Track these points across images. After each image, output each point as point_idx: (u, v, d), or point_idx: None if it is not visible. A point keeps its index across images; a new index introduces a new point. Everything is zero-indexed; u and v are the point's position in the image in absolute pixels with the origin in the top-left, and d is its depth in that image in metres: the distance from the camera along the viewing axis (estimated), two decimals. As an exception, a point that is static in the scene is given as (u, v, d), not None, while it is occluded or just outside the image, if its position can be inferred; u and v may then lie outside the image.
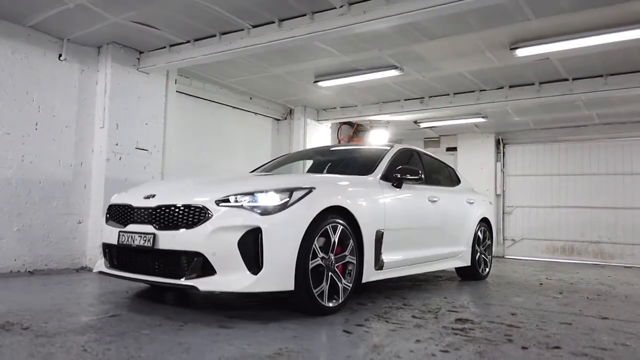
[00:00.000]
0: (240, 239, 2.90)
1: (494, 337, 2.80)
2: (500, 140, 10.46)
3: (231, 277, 2.89)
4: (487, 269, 5.72)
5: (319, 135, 8.90)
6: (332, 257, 3.28)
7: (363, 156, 4.75)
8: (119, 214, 3.40)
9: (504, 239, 10.38)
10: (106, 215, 3.57)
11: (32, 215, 5.16)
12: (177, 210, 3.05)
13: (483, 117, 8.74)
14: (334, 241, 3.28)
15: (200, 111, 7.26)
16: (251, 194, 3.04)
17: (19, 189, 5.08)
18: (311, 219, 3.09)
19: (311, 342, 2.56)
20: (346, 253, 3.40)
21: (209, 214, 2.95)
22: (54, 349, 2.26)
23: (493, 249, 6.05)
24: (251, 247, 2.91)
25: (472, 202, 5.48)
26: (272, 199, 3.03)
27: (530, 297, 4.41)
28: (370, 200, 3.76)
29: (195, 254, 2.92)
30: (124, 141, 5.71)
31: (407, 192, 4.25)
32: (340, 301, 3.32)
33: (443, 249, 4.80)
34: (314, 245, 3.10)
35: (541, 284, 5.44)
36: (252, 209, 2.97)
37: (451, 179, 5.59)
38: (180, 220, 3.02)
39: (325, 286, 3.19)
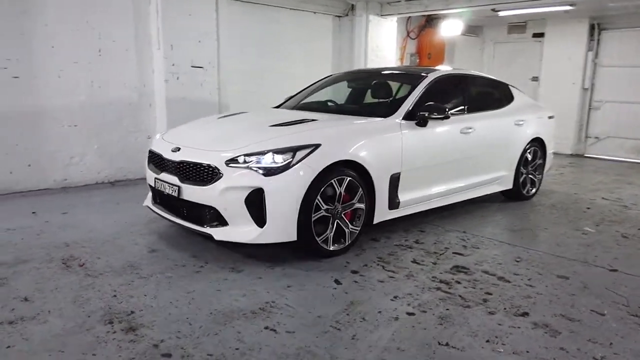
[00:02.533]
0: (246, 197, 3.24)
1: (472, 296, 3.02)
2: (596, 26, 9.29)
3: (241, 230, 3.31)
4: (534, 190, 5.64)
5: (384, 31, 8.53)
6: (339, 207, 3.55)
7: (392, 88, 4.67)
8: (155, 161, 3.87)
9: (586, 137, 9.76)
10: (148, 157, 4.05)
11: (108, 134, 5.88)
12: (195, 167, 3.43)
13: (570, 5, 7.76)
14: (340, 192, 3.52)
15: (254, 17, 7.24)
16: (257, 154, 3.31)
17: (93, 112, 5.75)
18: (313, 177, 3.32)
19: (298, 294, 2.97)
20: (354, 201, 3.64)
21: (220, 173, 3.30)
22: (92, 294, 2.89)
23: (547, 166, 5.87)
24: (257, 204, 3.26)
25: (522, 123, 5.25)
26: (275, 160, 3.29)
27: (558, 231, 4.42)
28: (385, 146, 3.86)
29: (211, 208, 3.35)
30: (180, 61, 6.03)
31: (433, 130, 4.24)
32: (347, 244, 3.66)
33: (475, 178, 4.81)
34: (317, 200, 3.37)
35: (588, 208, 5.31)
36: (257, 169, 3.26)
37: (501, 99, 5.34)
38: (197, 176, 3.41)
39: (330, 234, 3.52)
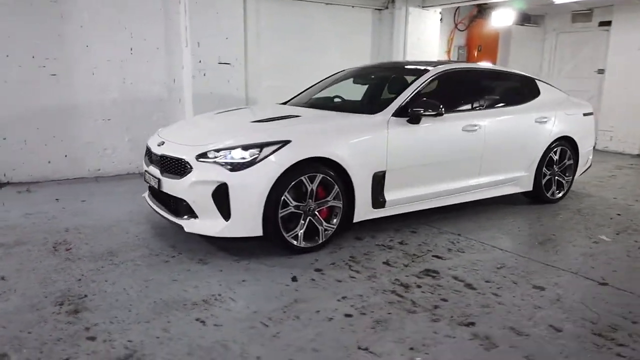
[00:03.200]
0: (213, 191, 3.33)
1: (424, 302, 2.90)
2: (673, 11, 8.37)
3: (208, 222, 3.41)
4: (561, 193, 5.22)
5: (426, 24, 8.24)
6: (312, 204, 3.54)
7: (390, 84, 4.54)
8: (147, 153, 4.08)
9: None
10: (145, 151, 4.27)
11: (138, 128, 6.24)
12: (171, 160, 3.58)
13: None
14: (312, 189, 3.50)
15: (288, 13, 7.27)
16: (225, 149, 3.39)
17: (124, 107, 6.14)
18: (280, 173, 3.34)
19: (248, 289, 3.02)
20: (329, 199, 3.61)
21: (190, 167, 3.41)
22: (61, 277, 3.12)
23: (582, 167, 5.43)
24: (223, 199, 3.33)
25: (545, 121, 4.89)
26: (241, 156, 3.35)
27: (566, 238, 4.10)
28: (367, 144, 3.78)
29: (183, 200, 3.48)
30: (206, 58, 6.25)
31: (428, 127, 4.08)
32: (321, 241, 3.64)
33: (484, 179, 4.56)
34: (284, 197, 3.39)
35: (619, 214, 4.84)
36: (224, 164, 3.34)
37: (522, 95, 5.00)
38: (173, 169, 3.55)
39: (300, 231, 3.52)
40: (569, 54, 9.88)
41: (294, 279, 3.18)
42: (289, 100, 5.11)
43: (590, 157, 5.68)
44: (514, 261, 3.56)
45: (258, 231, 3.39)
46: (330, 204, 3.64)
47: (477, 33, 9.26)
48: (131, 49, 6.07)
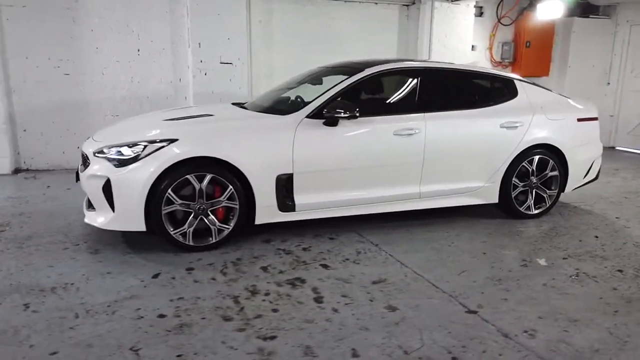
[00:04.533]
0: (103, 185, 3.51)
1: (251, 311, 2.79)
2: None
3: (100, 214, 3.60)
4: (543, 208, 4.62)
5: (455, 19, 7.71)
6: (203, 203, 3.58)
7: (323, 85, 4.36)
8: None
9: None
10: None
11: (145, 124, 6.70)
12: (82, 156, 3.83)
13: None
14: (200, 189, 3.54)
15: (302, 12, 7.28)
16: (116, 146, 3.55)
17: (132, 104, 6.63)
18: (161, 171, 3.42)
19: (102, 281, 3.14)
20: (221, 199, 3.62)
21: (89, 162, 3.64)
22: (-31, 254, 3.53)
23: (573, 183, 4.75)
24: (110, 193, 3.51)
25: (515, 126, 4.38)
26: (126, 153, 3.49)
27: (491, 257, 3.65)
28: (268, 145, 3.71)
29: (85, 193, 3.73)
30: (208, 57, 6.51)
31: (348, 130, 3.89)
32: (214, 241, 3.66)
33: (427, 187, 4.20)
34: (168, 194, 3.47)
35: (597, 236, 4.18)
36: (111, 160, 3.51)
37: (489, 97, 4.53)
38: (83, 164, 3.81)
39: (188, 229, 3.57)
40: (644, 48, 8.60)
41: (156, 275, 3.25)
42: (254, 100, 5.12)
43: (596, 168, 4.94)
44: (400, 278, 3.27)
45: (141, 226, 3.51)
46: (224, 204, 3.64)
47: (526, 27, 8.43)
48: (138, 50, 6.52)
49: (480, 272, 3.40)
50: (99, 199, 3.57)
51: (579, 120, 4.70)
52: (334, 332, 2.58)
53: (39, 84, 6.19)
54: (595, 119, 4.83)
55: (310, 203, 3.89)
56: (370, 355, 2.39)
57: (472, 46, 8.31)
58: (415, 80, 4.25)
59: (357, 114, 3.79)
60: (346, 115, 3.77)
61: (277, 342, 2.49)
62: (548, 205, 4.65)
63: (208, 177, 3.55)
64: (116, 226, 3.54)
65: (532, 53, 8.51)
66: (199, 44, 6.44)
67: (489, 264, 3.54)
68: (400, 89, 4.27)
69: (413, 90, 4.23)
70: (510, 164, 4.41)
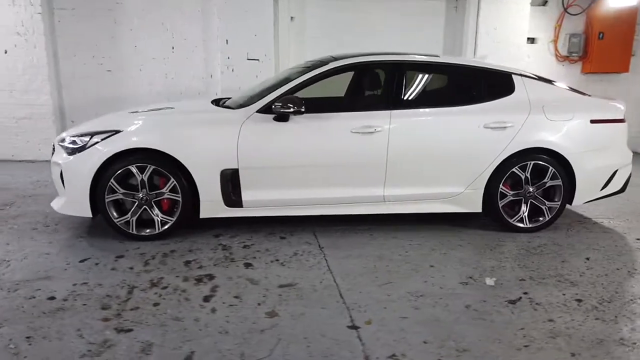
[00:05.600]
0: (60, 171, 3.76)
1: (126, 304, 2.80)
2: None
3: (59, 200, 3.85)
4: (541, 221, 4.03)
5: (510, 10, 7.00)
6: (146, 194, 3.67)
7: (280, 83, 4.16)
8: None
9: None
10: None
11: (178, 118, 7.04)
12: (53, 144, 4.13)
13: None
14: (142, 179, 3.63)
15: (336, 9, 7.13)
16: (74, 135, 3.77)
17: (167, 99, 6.99)
18: (103, 160, 3.57)
19: (32, 260, 3.35)
20: (164, 190, 3.67)
21: (55, 149, 3.91)
22: (-44, 228, 3.98)
23: (586, 194, 4.09)
24: (63, 180, 3.74)
25: (503, 126, 3.87)
26: (78, 142, 3.69)
27: (442, 274, 3.25)
28: (213, 140, 3.69)
29: (55, 178, 4.02)
30: (235, 54, 6.66)
31: (297, 126, 3.73)
32: (157, 232, 3.73)
33: (392, 190, 3.87)
34: (110, 183, 3.61)
35: (588, 258, 3.55)
36: (66, 149, 3.73)
37: (474, 93, 4.05)
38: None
39: (131, 218, 3.68)
40: None
41: (83, 260, 3.39)
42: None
43: (622, 179, 4.20)
44: (312, 284, 3.05)
45: (87, 212, 3.68)
46: (166, 196, 3.69)
47: (599, 16, 7.40)
48: (173, 48, 6.86)
49: (406, 285, 3.06)
50: (58, 184, 3.82)
51: (593, 121, 4.00)
52: (189, 333, 2.49)
53: (84, 80, 6.80)
54: (618, 120, 4.09)
55: (260, 200, 3.79)
56: (204, 359, 2.27)
57: (532, 39, 7.51)
58: (383, 75, 3.94)
59: (303, 110, 3.61)
60: (291, 110, 3.61)
61: (128, 335, 2.46)
62: (548, 218, 4.04)
63: (150, 168, 3.62)
64: (68, 211, 3.76)
65: (607, 46, 7.44)
66: (227, 40, 6.59)
67: (424, 278, 3.17)
68: (364, 85, 3.98)
69: (378, 86, 3.92)
70: (496, 169, 3.90)
